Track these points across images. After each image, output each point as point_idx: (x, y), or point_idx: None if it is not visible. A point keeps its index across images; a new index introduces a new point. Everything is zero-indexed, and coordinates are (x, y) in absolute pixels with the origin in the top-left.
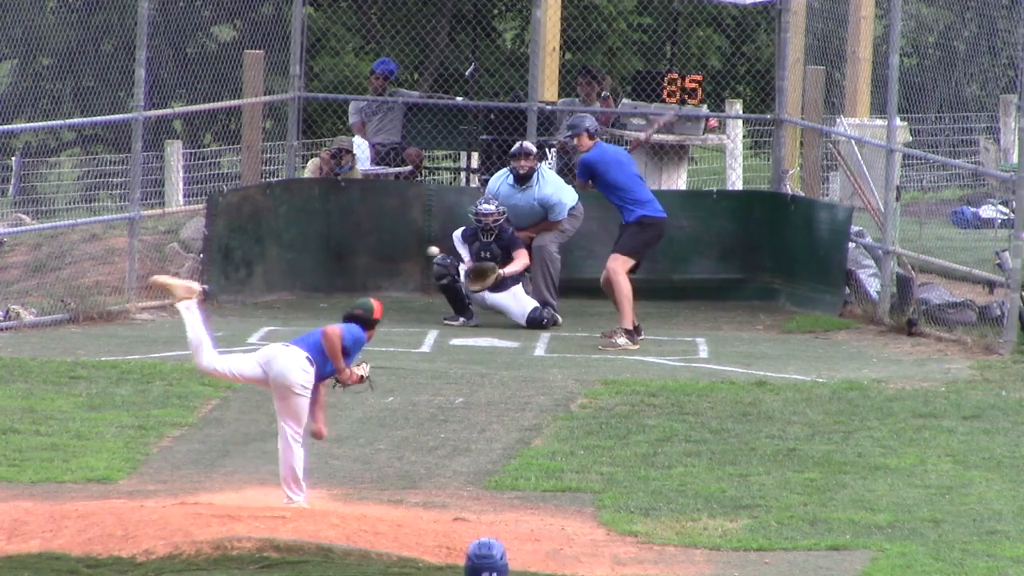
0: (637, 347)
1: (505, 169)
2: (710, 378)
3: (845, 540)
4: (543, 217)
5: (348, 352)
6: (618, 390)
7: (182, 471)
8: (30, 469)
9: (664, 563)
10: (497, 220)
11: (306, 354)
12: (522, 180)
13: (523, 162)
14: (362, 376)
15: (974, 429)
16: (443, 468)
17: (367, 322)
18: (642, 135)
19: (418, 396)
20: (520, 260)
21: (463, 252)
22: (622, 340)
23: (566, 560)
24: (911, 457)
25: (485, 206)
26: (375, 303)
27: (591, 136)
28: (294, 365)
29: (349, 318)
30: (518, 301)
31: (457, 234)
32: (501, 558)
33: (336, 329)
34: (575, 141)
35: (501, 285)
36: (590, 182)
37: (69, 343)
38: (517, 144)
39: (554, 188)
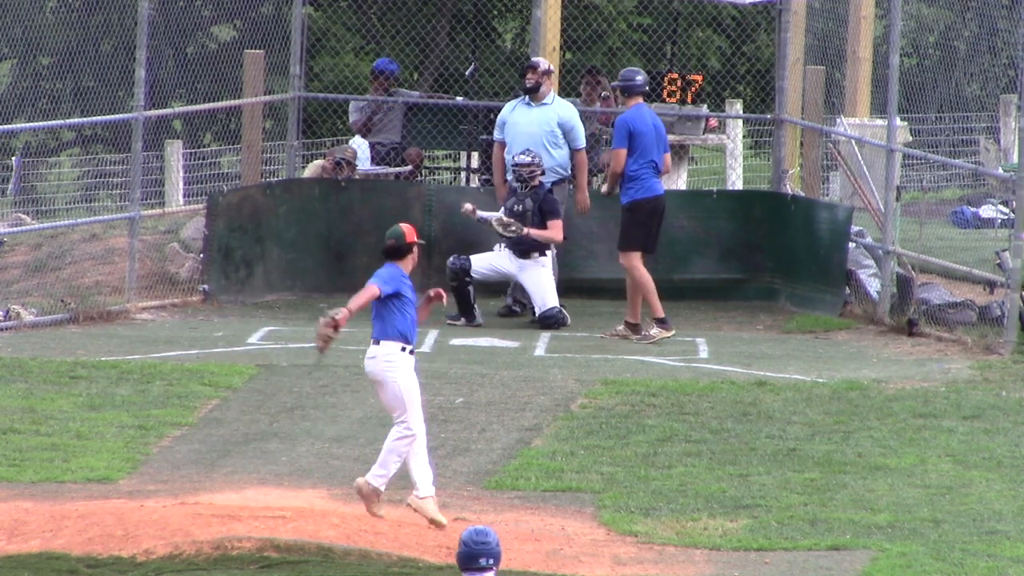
0: (673, 333)
1: (517, 99)
2: (710, 378)
3: (845, 540)
4: (555, 141)
5: (397, 294)
6: (618, 390)
7: (182, 471)
8: (30, 469)
9: (664, 563)
10: (533, 172)
11: (372, 342)
12: (533, 94)
13: (530, 75)
14: (331, 325)
15: (974, 429)
16: (443, 468)
17: (400, 250)
18: (603, 188)
19: None
20: (552, 231)
21: (489, 215)
22: (655, 331)
23: (566, 560)
24: (911, 457)
25: (521, 156)
26: (406, 228)
27: (638, 94)
28: (374, 365)
29: (385, 254)
30: (543, 290)
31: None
32: (496, 545)
33: (371, 285)
34: (623, 96)
35: (528, 254)
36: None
37: (69, 343)
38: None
39: (572, 112)
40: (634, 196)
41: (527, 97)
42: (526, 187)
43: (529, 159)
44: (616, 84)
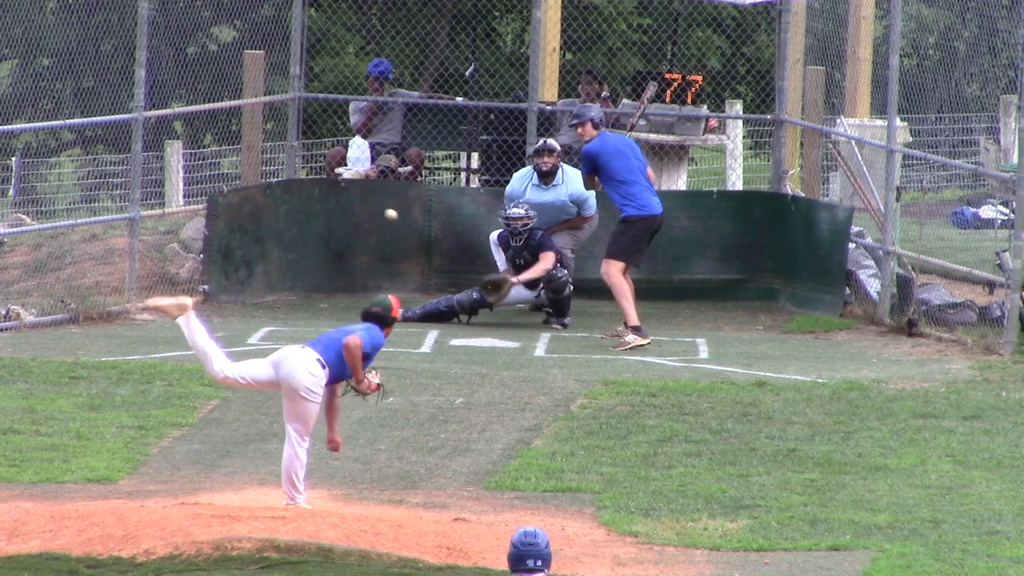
0: (649, 341)
1: (525, 169)
2: (710, 378)
3: (845, 540)
4: (569, 215)
5: (368, 357)
6: (618, 390)
7: (182, 471)
8: (30, 469)
9: (664, 563)
10: (527, 224)
11: (317, 356)
12: (547, 178)
13: (547, 159)
14: (378, 384)
15: (974, 429)
16: (443, 468)
17: (385, 320)
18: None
19: (418, 396)
20: (542, 263)
21: (498, 258)
22: (631, 337)
23: (566, 560)
24: (911, 457)
25: (514, 210)
26: (393, 300)
27: (595, 126)
28: (303, 367)
29: (367, 316)
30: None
31: (493, 237)
32: (546, 547)
33: (356, 339)
34: (579, 130)
35: (530, 284)
36: (596, 177)
37: (69, 343)
38: (541, 141)
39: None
40: (628, 212)
41: (537, 177)
42: (521, 239)
43: (523, 211)
44: (573, 123)
